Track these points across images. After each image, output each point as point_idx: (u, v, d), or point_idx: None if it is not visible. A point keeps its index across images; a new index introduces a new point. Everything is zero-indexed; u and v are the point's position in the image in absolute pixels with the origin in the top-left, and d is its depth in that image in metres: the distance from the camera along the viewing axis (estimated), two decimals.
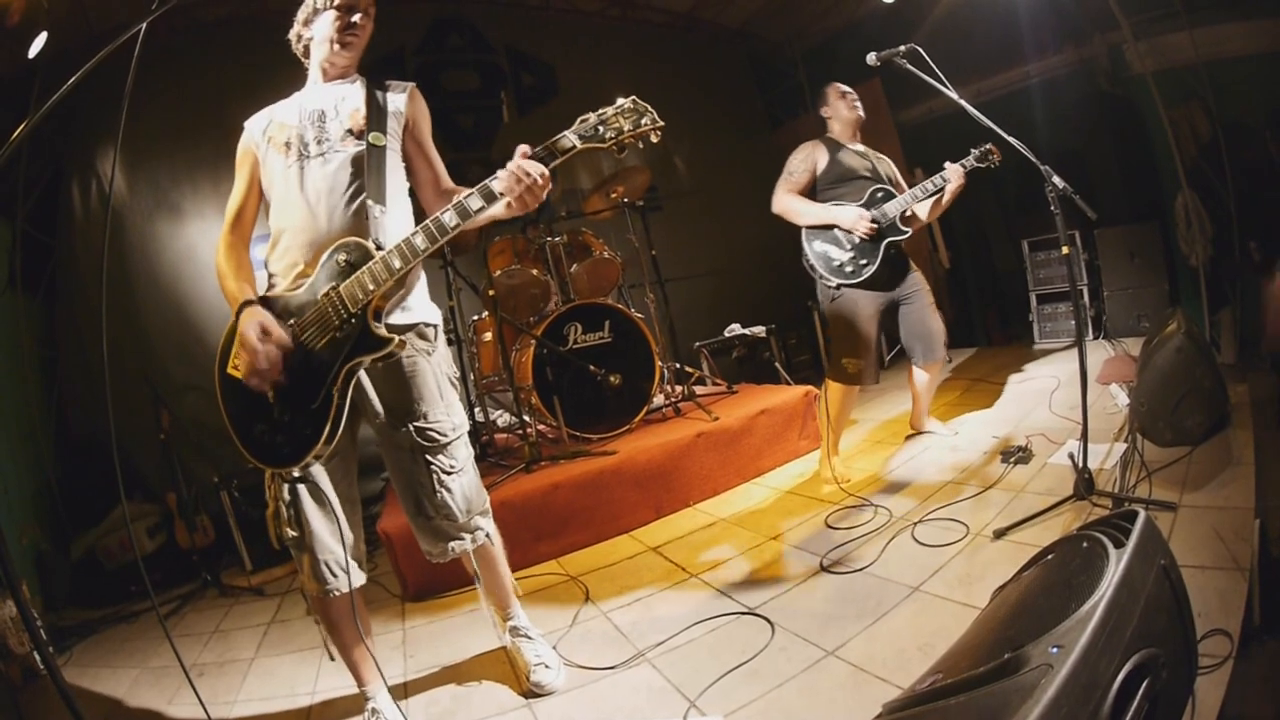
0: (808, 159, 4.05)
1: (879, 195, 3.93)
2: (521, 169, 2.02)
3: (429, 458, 2.32)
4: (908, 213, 3.94)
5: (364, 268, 2.06)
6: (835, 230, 3.92)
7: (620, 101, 2.12)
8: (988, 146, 3.80)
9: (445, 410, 2.37)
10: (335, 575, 2.29)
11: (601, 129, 2.08)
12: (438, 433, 2.34)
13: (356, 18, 2.34)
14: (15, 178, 5.07)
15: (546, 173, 2.05)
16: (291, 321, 2.12)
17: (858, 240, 3.86)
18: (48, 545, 4.66)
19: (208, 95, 5.74)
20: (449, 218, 2.06)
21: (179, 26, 5.82)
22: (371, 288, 2.05)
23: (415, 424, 2.30)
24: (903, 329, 4.12)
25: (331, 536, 2.27)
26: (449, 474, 2.36)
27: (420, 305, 2.37)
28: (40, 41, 4.45)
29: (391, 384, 2.29)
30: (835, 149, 4.06)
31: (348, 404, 2.10)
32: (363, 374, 2.22)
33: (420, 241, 2.06)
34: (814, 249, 3.96)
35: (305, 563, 2.29)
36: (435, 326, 2.41)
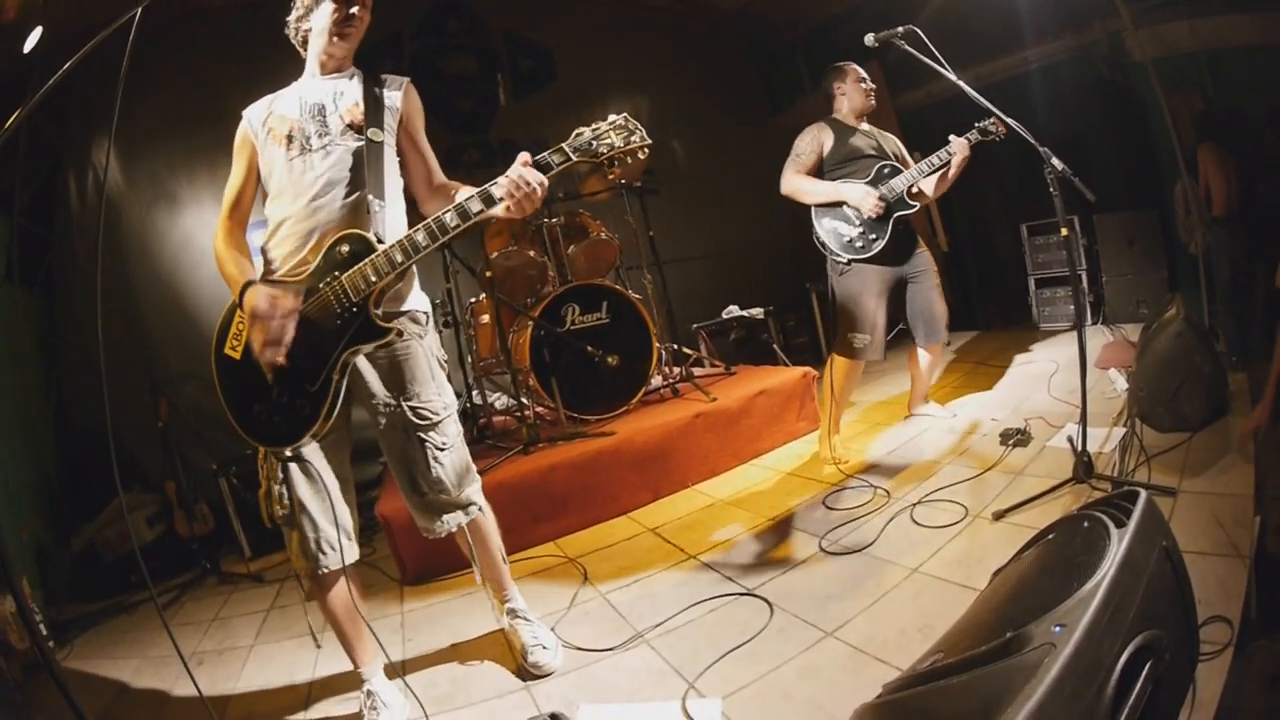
0: (814, 140, 4.07)
1: (886, 171, 3.96)
2: (522, 178, 2.11)
3: (422, 435, 2.39)
4: (914, 188, 3.97)
5: (366, 260, 2.14)
6: (844, 207, 3.94)
7: (612, 117, 2.25)
8: (991, 119, 3.78)
9: (437, 390, 2.44)
10: (324, 553, 2.32)
11: (594, 143, 2.21)
12: (430, 411, 2.40)
13: (354, 9, 2.35)
14: (12, 170, 5.03)
15: (545, 182, 2.14)
16: None
17: (866, 216, 3.89)
18: (48, 539, 4.65)
19: (204, 83, 5.68)
20: (450, 218, 2.14)
21: (175, 13, 5.76)
22: (374, 279, 2.14)
23: (409, 404, 2.37)
24: (908, 308, 4.15)
25: (322, 514, 2.31)
26: (441, 450, 2.42)
27: (413, 294, 2.44)
28: (35, 36, 4.41)
29: (387, 367, 2.35)
30: (841, 130, 4.08)
31: (344, 386, 2.20)
32: (360, 358, 2.29)
33: (421, 239, 2.15)
34: (824, 226, 3.99)
35: (295, 540, 2.34)
36: (426, 313, 2.48)
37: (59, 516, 4.87)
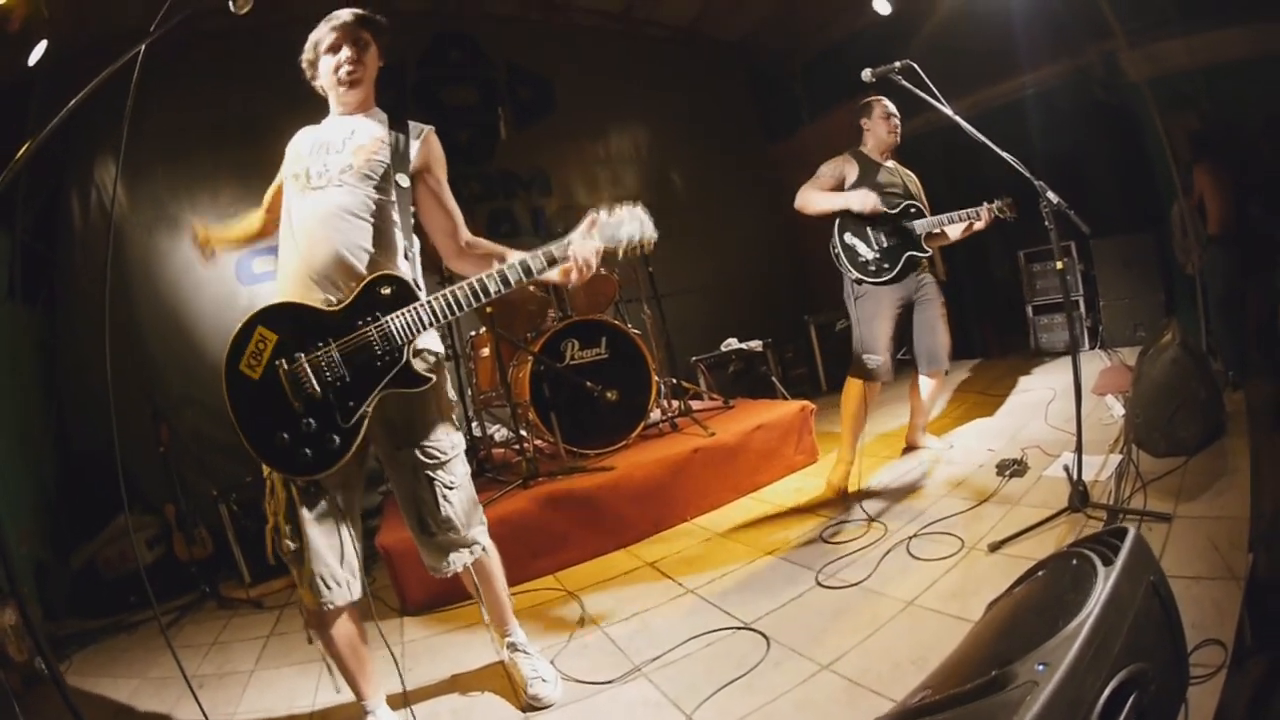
0: (837, 169, 4.17)
1: (911, 210, 4.06)
2: (588, 260, 2.30)
3: (431, 474, 2.40)
4: (934, 231, 4.05)
5: (410, 307, 2.22)
6: (867, 229, 4.03)
7: (628, 206, 2.37)
8: (1008, 200, 3.91)
9: (446, 430, 2.46)
10: (330, 588, 2.32)
11: (616, 233, 2.34)
12: (439, 450, 2.41)
13: (346, 54, 2.38)
14: (15, 188, 5.06)
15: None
16: (330, 340, 2.20)
17: (885, 245, 3.99)
18: (46, 554, 4.66)
19: (208, 107, 5.73)
20: (493, 285, 2.28)
21: (180, 38, 5.82)
22: (417, 329, 2.24)
23: (420, 442, 2.39)
24: (914, 334, 4.21)
25: (330, 550, 2.31)
26: (450, 489, 2.43)
27: (427, 335, 2.44)
28: (40, 50, 4.46)
29: (399, 406, 2.35)
30: (866, 164, 4.16)
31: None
32: None
33: (462, 297, 2.27)
34: (844, 240, 4.08)
35: (303, 576, 2.33)
36: (438, 353, 2.49)
37: (58, 532, 4.88)
